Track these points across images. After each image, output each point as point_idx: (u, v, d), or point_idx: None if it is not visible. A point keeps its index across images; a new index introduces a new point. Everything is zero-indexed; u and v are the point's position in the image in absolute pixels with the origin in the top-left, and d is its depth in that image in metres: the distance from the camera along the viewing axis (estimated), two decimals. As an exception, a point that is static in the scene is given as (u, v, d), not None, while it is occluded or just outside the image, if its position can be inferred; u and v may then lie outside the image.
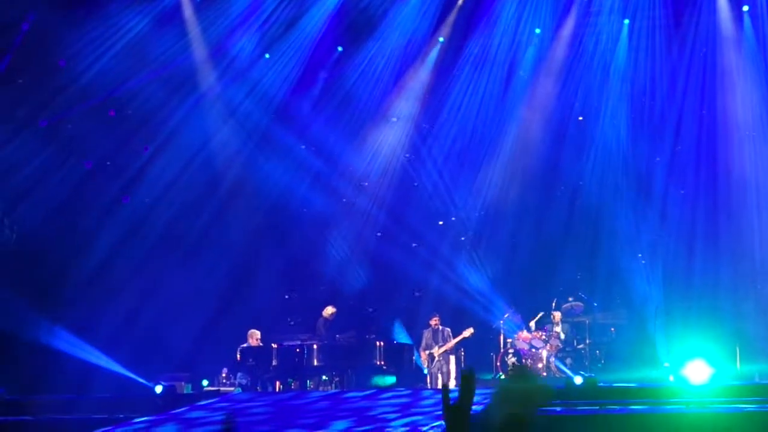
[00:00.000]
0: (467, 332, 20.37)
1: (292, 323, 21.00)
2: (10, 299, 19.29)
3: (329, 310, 20.53)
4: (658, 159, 22.85)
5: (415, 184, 24.07)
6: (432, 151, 24.04)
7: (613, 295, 21.85)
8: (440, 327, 20.56)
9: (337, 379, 19.90)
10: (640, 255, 22.17)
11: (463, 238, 23.94)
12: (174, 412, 15.29)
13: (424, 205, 24.09)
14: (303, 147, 23.57)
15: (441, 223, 24.02)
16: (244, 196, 23.13)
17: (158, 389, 17.78)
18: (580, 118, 23.38)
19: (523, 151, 23.59)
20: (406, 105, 23.91)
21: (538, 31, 23.22)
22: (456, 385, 19.38)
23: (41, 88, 21.10)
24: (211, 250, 22.26)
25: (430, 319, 20.85)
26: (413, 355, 20.37)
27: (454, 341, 20.31)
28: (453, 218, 24.01)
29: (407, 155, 24.02)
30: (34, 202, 20.80)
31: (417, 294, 23.01)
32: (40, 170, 20.91)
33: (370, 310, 20.88)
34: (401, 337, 21.13)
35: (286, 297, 23.09)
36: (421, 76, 23.79)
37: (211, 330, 21.13)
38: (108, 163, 22.20)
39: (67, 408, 16.24)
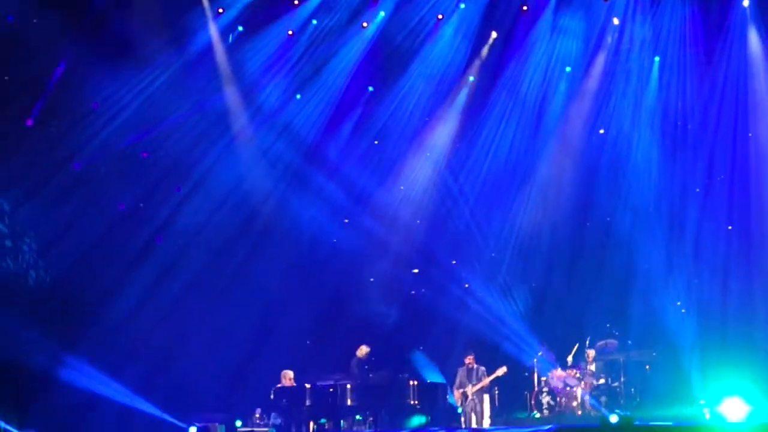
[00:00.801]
0: (501, 371, 20.20)
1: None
2: (44, 341, 19.35)
3: (363, 350, 20.47)
4: (697, 190, 22.70)
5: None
6: (464, 188, 24.04)
7: (648, 332, 21.66)
8: (474, 365, 20.39)
9: (371, 419, 19.81)
10: (678, 303, 21.95)
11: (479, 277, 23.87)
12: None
13: (457, 243, 24.06)
14: (333, 187, 23.56)
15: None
16: (277, 237, 23.17)
17: (192, 431, 17.77)
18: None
19: (555, 188, 23.58)
20: (437, 143, 23.95)
21: (568, 69, 23.26)
22: (490, 424, 19.36)
23: (75, 131, 21.28)
24: (244, 290, 22.27)
25: (465, 357, 20.70)
26: (447, 394, 20.22)
27: (487, 380, 20.13)
28: (491, 254, 23.95)
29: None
30: (67, 245, 20.90)
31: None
32: (74, 212, 21.03)
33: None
34: (434, 376, 21.02)
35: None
36: (451, 115, 23.83)
37: (245, 371, 21.11)
38: (141, 204, 22.31)
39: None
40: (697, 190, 22.88)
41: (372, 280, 23.92)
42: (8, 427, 18.59)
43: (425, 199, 24.14)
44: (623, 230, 22.83)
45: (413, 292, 24.15)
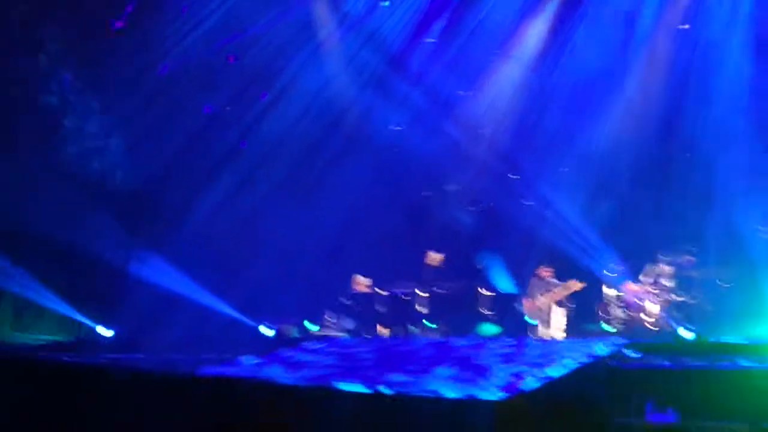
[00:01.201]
0: (576, 285, 20.09)
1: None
2: (128, 239, 19.88)
3: (435, 258, 20.54)
4: None
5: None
6: (551, 98, 23.81)
7: (726, 249, 21.37)
8: (550, 278, 20.37)
9: (443, 327, 20.01)
10: (760, 228, 21.47)
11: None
12: (281, 354, 15.61)
13: (540, 152, 23.91)
14: (418, 94, 23.49)
15: (565, 170, 23.78)
16: (360, 144, 23.28)
17: (267, 332, 18.21)
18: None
19: (642, 100, 23.24)
20: (525, 51, 23.70)
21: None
22: (562, 336, 19.42)
23: (162, 35, 21.56)
24: (325, 196, 22.51)
25: (541, 269, 20.68)
26: (519, 305, 20.33)
27: (561, 292, 20.11)
28: (566, 169, 23.75)
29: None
30: (154, 146, 21.34)
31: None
32: (161, 115, 21.41)
33: (479, 267, 20.82)
34: (507, 286, 21.10)
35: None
36: (540, 23, 23.53)
37: (321, 276, 21.39)
38: (227, 108, 22.59)
39: (178, 347, 16.77)
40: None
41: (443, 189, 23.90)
42: (89, 323, 19.30)
43: (510, 108, 23.95)
44: (708, 146, 22.42)
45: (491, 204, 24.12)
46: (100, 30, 21.21)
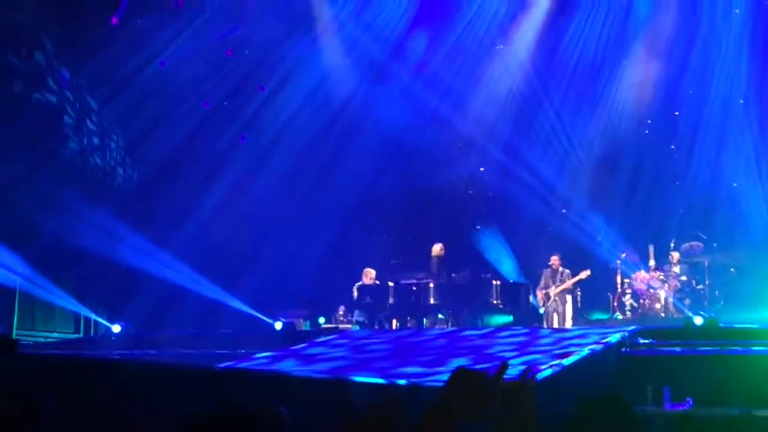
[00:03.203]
0: (584, 274, 19.98)
1: (394, 262, 20.86)
2: (133, 236, 19.71)
3: (436, 249, 20.30)
4: None
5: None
6: (548, 88, 23.68)
7: (734, 234, 21.34)
8: (559, 267, 20.20)
9: (452, 318, 19.86)
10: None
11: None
12: (293, 348, 15.50)
13: (542, 143, 23.78)
14: (418, 85, 23.35)
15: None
16: (362, 134, 23.08)
17: (278, 326, 18.07)
18: None
19: (642, 87, 23.16)
20: (522, 40, 23.56)
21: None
22: (572, 325, 19.34)
23: (160, 29, 21.40)
24: (327, 189, 22.38)
25: (550, 258, 20.54)
26: (529, 294, 20.20)
27: (570, 282, 19.94)
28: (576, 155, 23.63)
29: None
30: (154, 142, 21.19)
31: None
32: (160, 110, 21.26)
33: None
34: (515, 276, 21.01)
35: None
36: (536, 12, 23.40)
37: (329, 269, 21.23)
38: (225, 103, 22.46)
39: (190, 343, 16.64)
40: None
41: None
42: (99, 320, 19.15)
43: (509, 99, 23.80)
44: (711, 129, 22.41)
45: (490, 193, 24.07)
46: (96, 26, 21.03)
